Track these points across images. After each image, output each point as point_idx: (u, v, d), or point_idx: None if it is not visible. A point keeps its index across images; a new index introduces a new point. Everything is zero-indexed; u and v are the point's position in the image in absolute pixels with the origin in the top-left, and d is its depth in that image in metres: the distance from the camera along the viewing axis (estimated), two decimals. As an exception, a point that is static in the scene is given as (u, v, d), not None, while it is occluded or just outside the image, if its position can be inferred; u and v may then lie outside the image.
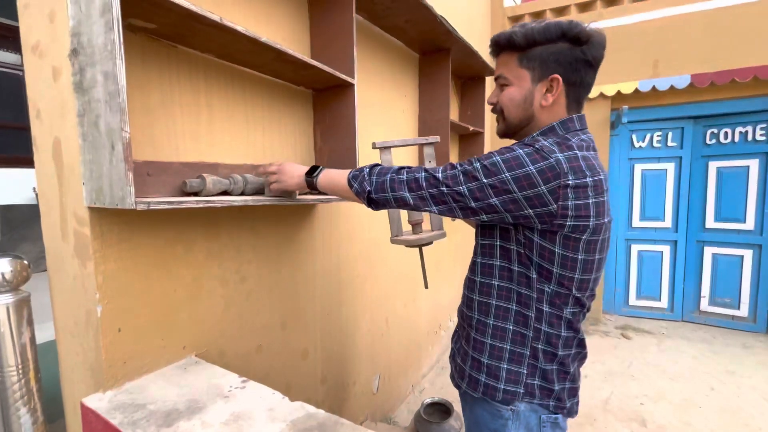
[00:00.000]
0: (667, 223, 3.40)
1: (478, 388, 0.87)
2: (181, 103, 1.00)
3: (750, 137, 3.07)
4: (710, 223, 3.27)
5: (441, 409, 1.87)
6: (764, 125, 3.01)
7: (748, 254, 3.14)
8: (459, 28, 2.78)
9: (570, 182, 0.71)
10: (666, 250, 3.42)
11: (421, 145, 1.16)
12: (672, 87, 3.03)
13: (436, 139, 1.14)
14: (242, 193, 1.05)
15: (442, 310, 2.89)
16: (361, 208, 1.74)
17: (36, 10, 0.86)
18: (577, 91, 0.82)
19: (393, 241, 1.13)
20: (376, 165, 0.90)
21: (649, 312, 3.53)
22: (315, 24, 1.40)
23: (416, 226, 1.13)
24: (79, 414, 0.91)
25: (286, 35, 1.32)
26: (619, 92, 3.19)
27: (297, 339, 1.43)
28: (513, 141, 0.85)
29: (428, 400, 1.87)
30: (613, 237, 3.58)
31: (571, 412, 0.87)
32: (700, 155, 3.25)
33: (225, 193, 1.03)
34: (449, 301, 2.96)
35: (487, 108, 2.87)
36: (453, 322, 3.06)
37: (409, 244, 1.12)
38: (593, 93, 3.26)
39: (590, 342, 3.10)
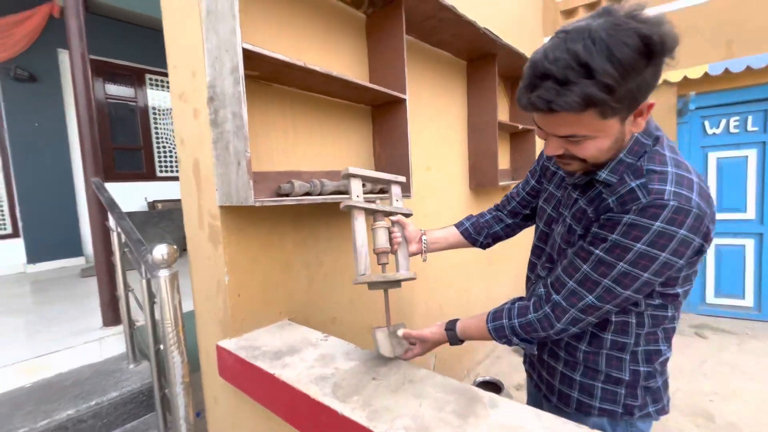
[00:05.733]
0: (750, 214, 3.12)
1: (569, 405, 0.86)
2: (275, 127, 1.32)
3: None
4: (804, 213, 2.96)
5: (492, 388, 2.01)
6: None
7: None
8: (508, 28, 2.90)
9: (708, 216, 0.63)
10: (749, 243, 3.15)
11: (389, 182, 1.06)
12: (748, 68, 2.82)
13: (402, 179, 1.08)
14: (320, 194, 1.35)
15: (496, 303, 2.99)
16: (416, 211, 1.96)
17: (182, 70, 1.23)
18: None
19: (357, 282, 0.94)
20: (499, 321, 0.84)
21: (731, 311, 3.27)
22: (372, 50, 1.66)
23: (382, 255, 0.99)
24: (210, 356, 1.27)
25: (350, 63, 1.60)
26: (685, 78, 3.03)
27: (362, 315, 1.70)
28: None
29: (480, 379, 2.03)
30: (685, 230, 3.38)
31: (666, 408, 0.83)
32: (789, 139, 2.96)
33: (307, 194, 1.33)
34: (503, 294, 3.05)
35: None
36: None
37: (374, 287, 0.97)
38: (656, 81, 3.14)
39: (658, 339, 2.99)
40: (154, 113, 5.08)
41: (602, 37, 0.55)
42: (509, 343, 0.83)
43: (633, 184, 0.65)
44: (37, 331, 2.13)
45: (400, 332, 0.99)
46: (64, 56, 4.21)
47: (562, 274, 0.75)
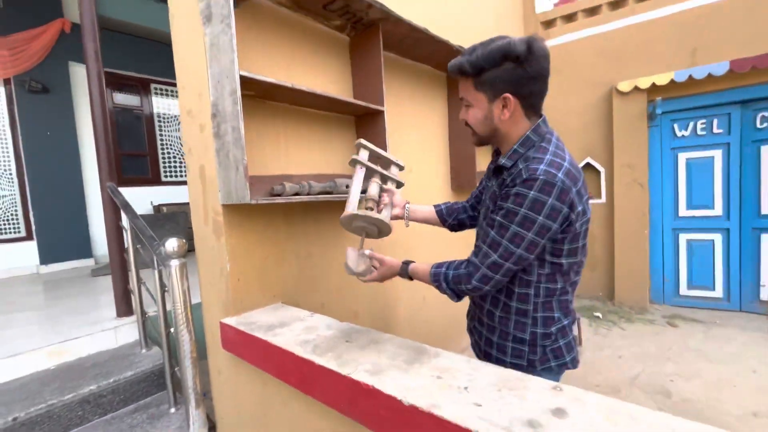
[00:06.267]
0: (718, 210, 3.34)
1: (490, 360, 1.05)
2: (269, 137, 1.54)
3: (806, 118, 2.95)
4: (766, 209, 3.16)
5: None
6: (821, 105, 2.88)
7: (811, 240, 3.00)
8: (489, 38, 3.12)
9: (573, 194, 0.85)
10: (717, 238, 3.36)
11: (390, 162, 1.23)
12: (710, 75, 3.04)
13: (402, 162, 1.26)
14: (308, 194, 1.57)
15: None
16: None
17: (190, 91, 1.46)
18: (531, 100, 0.91)
19: (344, 216, 1.08)
20: (446, 269, 1.01)
21: (702, 302, 3.47)
22: (355, 67, 1.89)
23: (370, 201, 1.14)
24: (215, 334, 1.49)
25: (336, 79, 1.83)
26: (654, 84, 3.25)
27: (349, 302, 1.92)
28: (486, 147, 1.15)
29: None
30: (659, 227, 3.59)
31: (574, 364, 1.02)
32: (751, 140, 3.17)
33: (297, 194, 1.55)
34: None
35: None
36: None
37: (356, 221, 1.10)
38: (627, 87, 3.36)
39: (632, 329, 3.20)
40: (159, 120, 5.33)
41: (493, 41, 0.89)
42: (440, 287, 1.03)
43: (521, 166, 0.89)
44: (57, 322, 2.35)
45: (368, 252, 1.17)
46: (74, 68, 4.47)
47: (479, 241, 0.99)
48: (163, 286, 1.78)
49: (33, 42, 4.09)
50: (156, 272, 1.78)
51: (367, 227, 1.13)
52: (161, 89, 5.30)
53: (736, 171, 3.24)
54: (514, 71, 0.86)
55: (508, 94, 0.88)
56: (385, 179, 1.24)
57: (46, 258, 4.24)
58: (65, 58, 4.35)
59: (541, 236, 0.86)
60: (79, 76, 4.50)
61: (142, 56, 4.96)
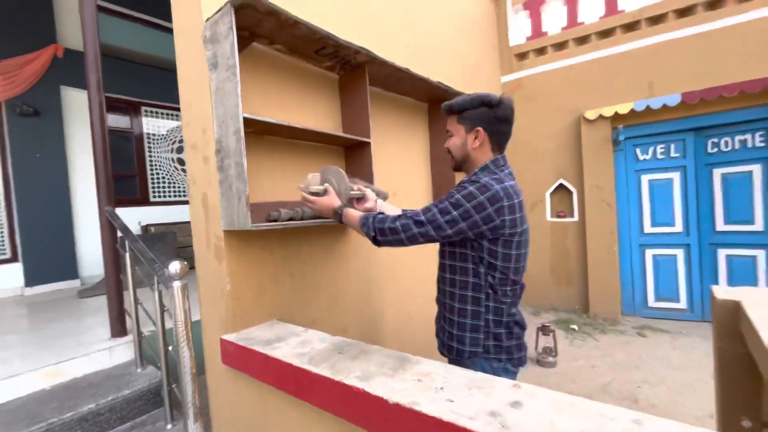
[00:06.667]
0: (678, 227, 3.63)
1: (453, 353, 1.26)
2: (266, 167, 1.70)
3: (750, 144, 3.29)
4: (720, 226, 3.46)
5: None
6: (762, 132, 3.22)
7: (761, 254, 3.29)
8: (467, 70, 3.40)
9: (505, 204, 1.09)
10: (680, 253, 3.64)
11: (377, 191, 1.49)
12: (665, 105, 3.36)
13: (387, 194, 1.63)
14: (302, 219, 1.72)
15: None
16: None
17: (195, 127, 1.61)
18: (497, 138, 1.21)
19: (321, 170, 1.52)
20: (379, 214, 1.25)
21: (669, 313, 3.72)
22: (343, 104, 2.08)
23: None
24: (214, 350, 1.60)
25: (327, 113, 2.01)
26: (616, 113, 3.57)
27: (339, 318, 2.05)
28: (463, 173, 1.33)
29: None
30: (627, 243, 3.85)
31: (521, 362, 1.24)
32: (704, 164, 3.49)
33: (291, 219, 1.70)
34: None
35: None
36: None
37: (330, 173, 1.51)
38: (593, 115, 3.67)
39: (604, 340, 3.40)
40: (149, 141, 5.41)
41: (472, 93, 1.25)
42: (365, 226, 1.25)
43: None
44: (49, 344, 2.40)
45: (324, 186, 1.44)
46: (66, 92, 4.56)
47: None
48: (162, 306, 1.88)
49: (26, 67, 4.18)
50: (156, 293, 1.88)
51: (330, 178, 1.48)
52: (151, 111, 5.42)
53: (693, 191, 3.55)
54: (487, 113, 1.20)
55: (480, 128, 1.21)
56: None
57: (31, 280, 4.22)
58: (57, 82, 4.44)
59: (462, 219, 1.10)
60: (70, 99, 4.59)
61: (133, 79, 5.08)
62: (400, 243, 1.19)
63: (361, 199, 1.57)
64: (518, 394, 0.91)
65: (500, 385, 0.96)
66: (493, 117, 1.19)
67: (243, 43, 1.59)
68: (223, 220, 1.51)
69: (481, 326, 1.21)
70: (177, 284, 1.60)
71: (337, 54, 1.84)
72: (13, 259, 4.24)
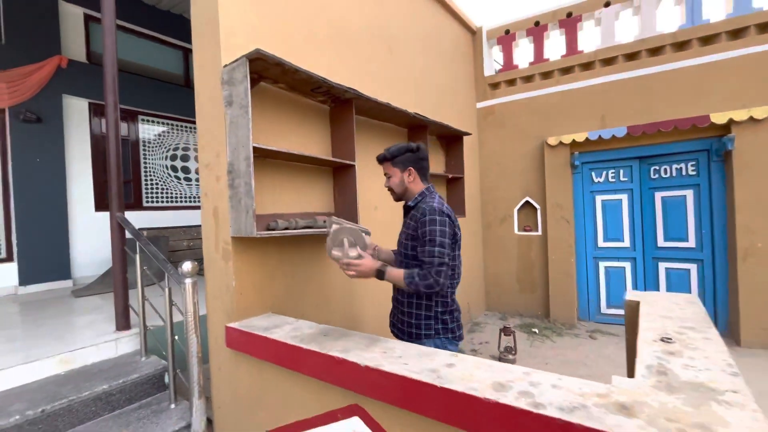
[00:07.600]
0: (626, 243, 4.11)
1: (412, 337, 1.64)
2: (267, 185, 2.04)
3: (684, 172, 3.81)
4: (661, 242, 3.96)
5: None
6: (693, 163, 3.75)
7: (693, 268, 3.79)
8: (444, 99, 3.83)
9: (454, 221, 1.59)
10: (627, 265, 4.11)
11: (362, 232, 1.62)
12: (614, 136, 3.86)
13: (368, 230, 1.75)
14: (295, 228, 2.06)
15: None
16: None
17: (209, 150, 1.95)
18: (423, 172, 1.68)
19: (331, 220, 1.62)
20: (413, 276, 1.48)
21: (618, 319, 4.17)
22: (333, 132, 2.45)
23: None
24: (218, 337, 1.91)
25: (320, 139, 2.38)
26: (574, 141, 4.05)
27: (325, 315, 2.38)
28: (403, 202, 1.74)
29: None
30: (583, 255, 4.32)
31: (461, 338, 1.71)
32: (648, 187, 4.00)
33: (287, 228, 2.04)
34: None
35: (465, 158, 3.82)
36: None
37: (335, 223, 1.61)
38: (554, 141, 4.15)
39: (560, 342, 3.81)
40: (144, 147, 5.64)
41: (398, 144, 1.69)
42: (411, 284, 1.49)
43: (423, 206, 1.57)
44: (59, 336, 2.64)
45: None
46: (68, 101, 4.79)
47: (421, 257, 1.53)
48: (171, 301, 2.18)
49: (31, 76, 4.41)
50: (166, 289, 2.18)
51: (348, 237, 1.58)
52: (148, 119, 5.66)
53: (638, 211, 4.04)
54: (412, 156, 1.66)
55: (411, 168, 1.65)
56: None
57: (25, 279, 4.38)
58: (60, 90, 4.67)
59: (448, 238, 1.50)
60: (71, 108, 4.81)
61: (131, 89, 5.34)
62: (438, 285, 1.49)
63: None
64: (453, 360, 1.28)
65: (442, 354, 1.32)
66: (417, 158, 1.66)
67: (252, 83, 1.94)
68: (231, 228, 1.84)
69: (431, 315, 1.60)
70: (189, 281, 1.91)
71: (330, 92, 2.21)
72: (8, 258, 4.39)
